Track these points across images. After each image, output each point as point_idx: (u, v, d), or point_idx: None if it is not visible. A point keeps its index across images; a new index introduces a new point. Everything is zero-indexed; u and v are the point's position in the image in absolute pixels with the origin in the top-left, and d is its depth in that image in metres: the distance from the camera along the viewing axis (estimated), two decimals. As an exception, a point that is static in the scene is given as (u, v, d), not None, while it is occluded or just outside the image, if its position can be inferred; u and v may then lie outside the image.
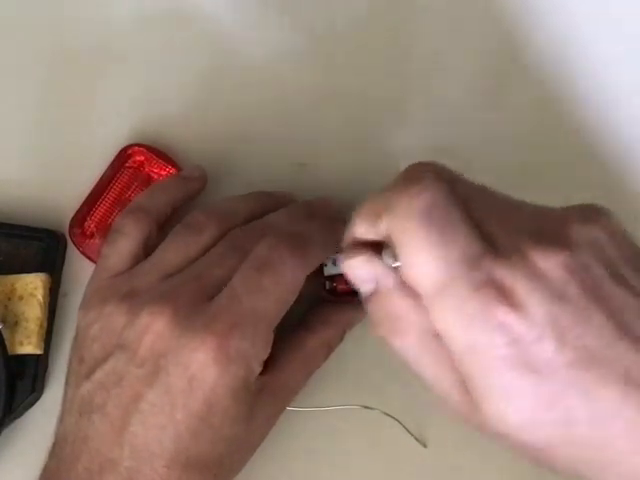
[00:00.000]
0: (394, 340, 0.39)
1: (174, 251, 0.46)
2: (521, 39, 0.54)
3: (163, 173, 0.52)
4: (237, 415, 0.43)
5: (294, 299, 0.44)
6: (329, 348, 0.47)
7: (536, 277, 0.36)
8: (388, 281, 0.39)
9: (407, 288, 0.38)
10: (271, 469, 0.48)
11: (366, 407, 0.49)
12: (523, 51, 0.53)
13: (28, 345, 0.49)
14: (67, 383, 0.46)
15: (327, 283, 0.47)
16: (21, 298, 0.49)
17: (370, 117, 0.52)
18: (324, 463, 0.49)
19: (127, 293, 0.45)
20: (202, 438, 0.42)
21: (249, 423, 0.43)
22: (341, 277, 0.44)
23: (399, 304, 0.38)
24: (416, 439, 0.49)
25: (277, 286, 0.43)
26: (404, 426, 0.49)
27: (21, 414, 0.49)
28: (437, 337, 0.37)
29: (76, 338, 0.46)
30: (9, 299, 0.49)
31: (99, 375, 0.43)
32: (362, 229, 0.39)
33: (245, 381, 0.42)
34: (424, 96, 0.53)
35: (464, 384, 0.37)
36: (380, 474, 0.49)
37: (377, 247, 0.39)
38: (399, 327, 0.39)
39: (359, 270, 0.39)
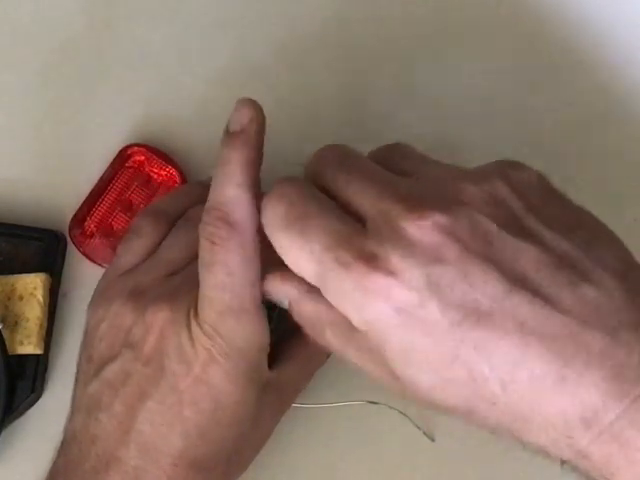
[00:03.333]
0: (319, 341, 0.41)
1: (178, 247, 0.46)
2: (523, 38, 0.54)
3: (163, 173, 0.52)
4: (244, 412, 0.43)
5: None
6: None
7: (407, 244, 0.36)
8: (292, 293, 0.40)
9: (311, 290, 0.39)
10: (277, 466, 0.48)
11: (372, 402, 0.49)
12: (526, 49, 0.54)
13: (28, 345, 0.49)
14: (76, 381, 0.45)
15: None
16: (21, 298, 0.49)
17: (370, 117, 0.53)
18: (331, 459, 0.49)
19: (132, 291, 0.44)
20: (210, 435, 0.42)
21: (255, 420, 0.43)
22: None
23: (306, 309, 0.40)
24: (424, 433, 0.49)
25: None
26: (412, 421, 0.48)
27: (21, 414, 0.49)
28: (348, 326, 0.38)
29: (85, 336, 0.46)
30: (9, 299, 0.49)
31: (107, 374, 0.43)
32: None
33: (250, 375, 0.42)
34: (425, 95, 0.53)
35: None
36: (388, 469, 0.49)
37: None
38: (316, 329, 0.40)
39: (271, 293, 0.41)
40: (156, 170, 0.52)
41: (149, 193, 0.51)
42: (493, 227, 0.36)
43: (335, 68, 0.54)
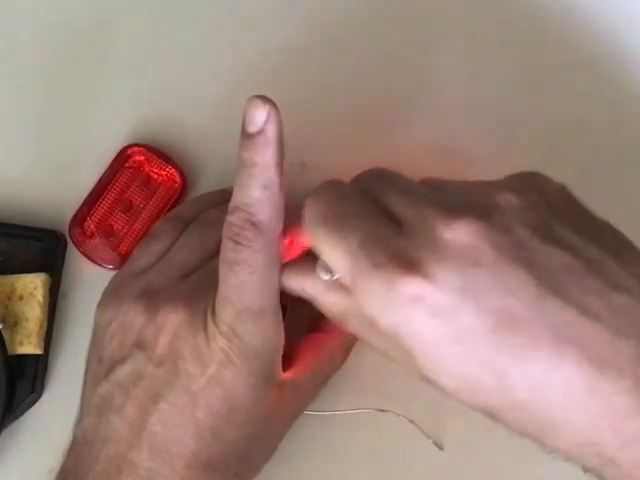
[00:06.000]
0: (345, 329, 0.41)
1: (190, 249, 0.46)
2: (525, 38, 0.54)
3: (163, 173, 0.52)
4: (257, 413, 0.42)
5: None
6: (347, 350, 0.48)
7: (443, 247, 0.35)
8: (317, 286, 0.41)
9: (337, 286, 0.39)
10: (285, 473, 0.48)
11: (381, 410, 0.48)
12: (526, 50, 0.54)
13: (28, 345, 0.49)
14: (85, 382, 0.45)
15: None
16: (21, 298, 0.49)
17: (371, 117, 0.52)
18: (339, 467, 0.49)
19: (143, 291, 0.44)
20: (224, 437, 0.42)
21: (268, 422, 0.43)
22: None
23: (331, 301, 0.40)
24: (433, 442, 0.48)
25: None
26: (421, 429, 0.48)
27: (21, 414, 0.49)
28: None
29: (94, 336, 0.46)
30: (9, 299, 0.49)
31: (118, 375, 0.43)
32: None
33: (264, 377, 0.42)
34: (426, 96, 0.53)
35: None
36: (396, 477, 0.49)
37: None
38: (342, 319, 0.41)
39: (293, 286, 0.42)
40: (156, 170, 0.52)
41: (149, 193, 0.52)
42: (526, 232, 0.36)
43: (335, 68, 0.54)
